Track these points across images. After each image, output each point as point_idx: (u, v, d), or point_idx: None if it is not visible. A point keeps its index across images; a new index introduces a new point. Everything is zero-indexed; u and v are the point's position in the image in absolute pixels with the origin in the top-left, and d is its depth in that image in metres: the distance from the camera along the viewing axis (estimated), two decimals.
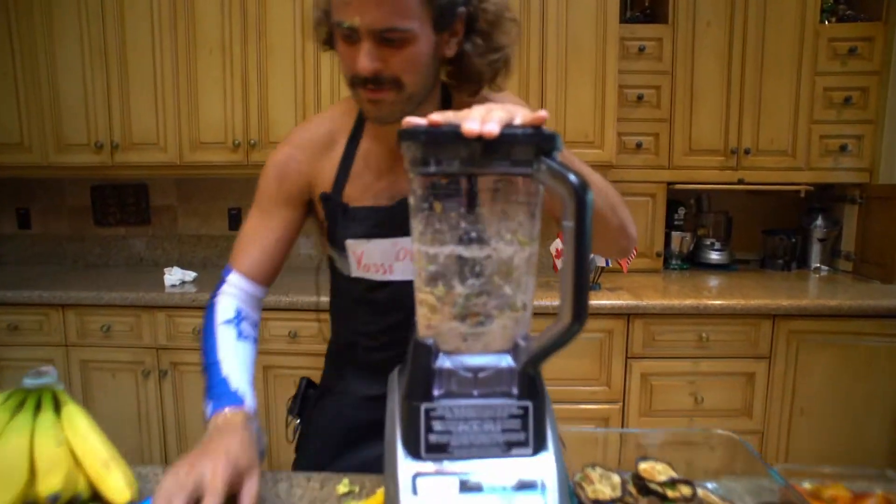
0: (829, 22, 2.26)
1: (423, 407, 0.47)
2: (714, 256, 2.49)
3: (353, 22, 0.68)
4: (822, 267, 2.41)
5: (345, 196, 0.84)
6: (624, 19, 2.35)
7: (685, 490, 0.60)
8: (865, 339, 1.80)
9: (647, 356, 1.84)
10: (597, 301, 1.80)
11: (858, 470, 0.63)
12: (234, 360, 0.78)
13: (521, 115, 0.48)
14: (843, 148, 2.24)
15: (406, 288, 0.85)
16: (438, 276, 0.48)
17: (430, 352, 0.49)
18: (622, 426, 1.84)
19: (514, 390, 0.49)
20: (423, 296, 0.49)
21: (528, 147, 0.46)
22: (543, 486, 0.46)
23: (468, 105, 0.87)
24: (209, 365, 0.77)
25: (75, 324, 1.95)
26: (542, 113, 0.47)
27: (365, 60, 0.69)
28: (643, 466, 0.64)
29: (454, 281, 0.48)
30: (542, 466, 0.47)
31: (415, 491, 0.45)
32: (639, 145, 2.27)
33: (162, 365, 1.96)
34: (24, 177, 2.39)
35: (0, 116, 2.17)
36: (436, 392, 0.48)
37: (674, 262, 2.47)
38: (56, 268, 2.47)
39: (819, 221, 2.43)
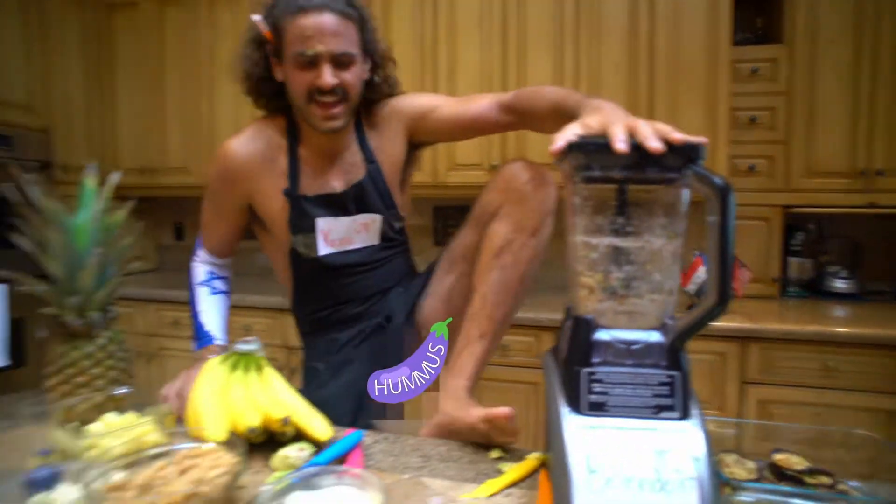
0: None
1: (584, 371, 0.56)
2: (840, 285, 2.32)
3: (316, 49, 0.94)
4: None
5: (300, 190, 1.07)
6: (735, 42, 2.34)
7: (824, 479, 0.63)
8: None
9: (766, 382, 1.77)
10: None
11: None
12: (209, 310, 1.11)
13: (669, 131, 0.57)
14: None
15: (363, 253, 1.11)
16: (598, 263, 0.58)
17: (590, 326, 0.58)
18: None
19: (663, 362, 0.56)
20: (584, 279, 0.59)
21: (678, 156, 0.55)
22: (692, 442, 0.53)
23: (376, 114, 1.13)
24: (193, 315, 1.12)
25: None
26: (703, 139, 0.56)
27: (328, 76, 0.95)
28: (778, 457, 0.67)
29: (612, 267, 0.57)
30: (689, 431, 0.54)
31: (578, 436, 0.54)
32: (751, 168, 2.22)
33: (292, 363, 2.20)
34: (183, 196, 2.80)
35: (170, 146, 2.60)
36: (594, 360, 0.57)
37: (792, 289, 2.35)
38: None
39: None
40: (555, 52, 2.11)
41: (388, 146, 1.12)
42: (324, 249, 1.08)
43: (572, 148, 0.58)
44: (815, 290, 2.37)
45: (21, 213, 0.78)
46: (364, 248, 1.12)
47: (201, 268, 1.17)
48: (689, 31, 2.04)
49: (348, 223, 1.09)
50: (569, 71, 2.10)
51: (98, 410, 0.78)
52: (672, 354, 0.56)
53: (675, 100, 2.07)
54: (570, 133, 0.60)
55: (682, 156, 0.56)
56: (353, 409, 1.02)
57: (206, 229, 1.17)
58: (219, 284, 1.16)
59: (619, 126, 0.57)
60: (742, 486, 0.56)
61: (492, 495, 0.66)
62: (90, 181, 0.85)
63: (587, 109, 0.75)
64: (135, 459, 0.65)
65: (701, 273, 1.89)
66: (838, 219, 2.33)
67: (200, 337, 1.09)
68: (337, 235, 1.09)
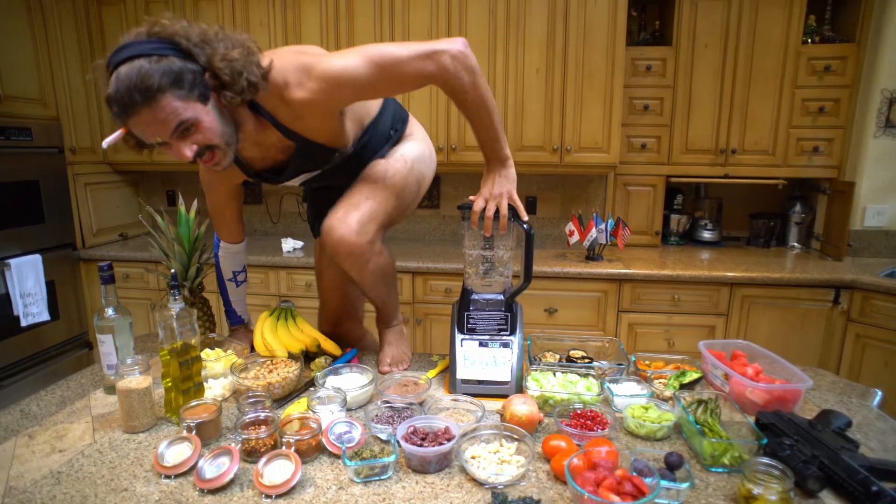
0: (812, 41, 2.71)
1: (465, 313, 1.19)
2: (706, 235, 3.06)
3: (156, 140, 0.95)
4: (797, 245, 2.94)
5: (254, 173, 1.24)
6: (637, 41, 2.89)
7: (586, 360, 1.30)
8: (801, 303, 2.37)
9: (634, 310, 2.49)
10: (596, 269, 2.45)
11: (677, 356, 1.30)
12: (237, 300, 1.47)
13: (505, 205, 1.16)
14: (815, 149, 2.73)
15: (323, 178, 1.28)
16: (473, 262, 1.20)
17: (470, 292, 1.20)
18: None
19: (503, 309, 1.20)
20: (467, 269, 1.21)
21: (511, 215, 1.15)
22: (512, 346, 1.18)
23: (293, 103, 1.05)
24: (224, 302, 1.46)
25: None
26: (524, 213, 1.16)
27: (185, 152, 0.97)
28: (572, 352, 1.34)
29: (479, 264, 1.19)
30: (513, 340, 1.19)
31: (461, 345, 1.18)
32: (643, 146, 2.85)
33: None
34: (174, 170, 3.22)
35: None
36: (471, 308, 1.20)
37: (672, 238, 3.07)
38: None
39: (797, 208, 2.94)
40: (489, 58, 2.62)
41: (317, 122, 1.14)
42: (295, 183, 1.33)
43: (464, 206, 1.18)
44: (690, 238, 3.10)
45: (153, 233, 1.33)
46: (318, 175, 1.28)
47: (226, 265, 1.44)
48: (594, 40, 2.58)
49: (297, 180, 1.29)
50: (499, 75, 2.62)
51: (202, 346, 1.37)
52: (507, 305, 1.20)
53: (581, 95, 2.63)
54: (469, 199, 1.19)
55: (513, 214, 1.16)
56: None
57: (216, 222, 1.37)
58: (241, 277, 1.47)
59: (481, 205, 1.15)
60: (535, 363, 1.22)
61: (433, 376, 1.30)
62: (182, 208, 1.39)
63: (490, 171, 1.17)
64: (240, 367, 1.25)
65: (594, 232, 2.55)
66: (709, 184, 3.02)
67: (233, 318, 1.50)
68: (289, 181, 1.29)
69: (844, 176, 2.72)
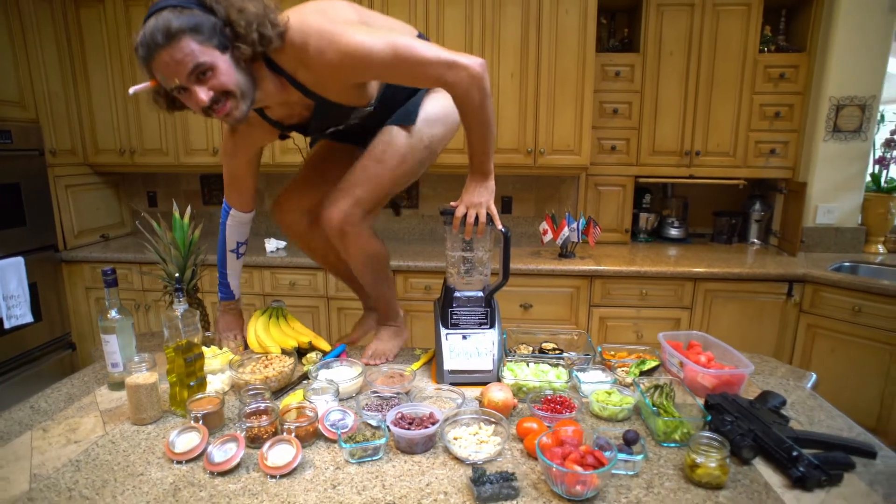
0: (767, 50, 2.89)
1: (448, 310, 1.30)
2: (673, 232, 3.23)
3: (174, 84, 1.01)
4: (757, 241, 3.13)
5: (283, 125, 1.29)
6: (606, 48, 3.03)
7: (557, 352, 1.42)
8: (758, 296, 2.55)
9: (604, 305, 2.64)
10: (569, 266, 2.59)
11: (638, 347, 1.43)
12: (234, 273, 1.47)
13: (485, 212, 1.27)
14: (772, 151, 2.91)
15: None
16: (455, 263, 1.30)
17: (452, 290, 1.31)
18: None
19: (482, 305, 1.31)
20: (450, 269, 1.31)
21: (488, 222, 1.27)
22: (492, 338, 1.29)
23: (309, 62, 1.08)
24: (220, 274, 1.46)
25: (208, 277, 2.84)
26: (498, 222, 1.26)
27: (201, 94, 1.02)
28: (544, 345, 1.46)
29: (461, 264, 1.30)
30: (492, 331, 1.30)
31: (446, 338, 1.29)
32: (613, 147, 2.99)
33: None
34: (156, 172, 3.24)
35: (146, 130, 3.00)
36: (454, 304, 1.31)
37: (641, 236, 3.23)
38: None
39: (757, 206, 3.13)
40: None
41: (337, 87, 1.18)
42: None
43: (445, 212, 1.28)
44: (658, 235, 3.27)
45: (149, 238, 1.40)
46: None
47: (232, 234, 1.44)
48: (566, 47, 2.70)
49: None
50: None
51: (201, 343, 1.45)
52: (486, 301, 1.31)
53: (554, 100, 2.76)
54: (450, 204, 1.29)
55: (489, 221, 1.27)
56: None
57: (231, 190, 1.39)
58: (242, 249, 1.47)
59: (462, 212, 1.25)
60: (510, 355, 1.34)
61: (417, 368, 1.41)
62: (177, 215, 1.46)
63: (473, 181, 1.26)
64: (237, 363, 1.33)
65: (566, 231, 2.68)
66: (676, 184, 3.19)
67: (226, 293, 1.48)
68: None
69: (798, 177, 2.91)
